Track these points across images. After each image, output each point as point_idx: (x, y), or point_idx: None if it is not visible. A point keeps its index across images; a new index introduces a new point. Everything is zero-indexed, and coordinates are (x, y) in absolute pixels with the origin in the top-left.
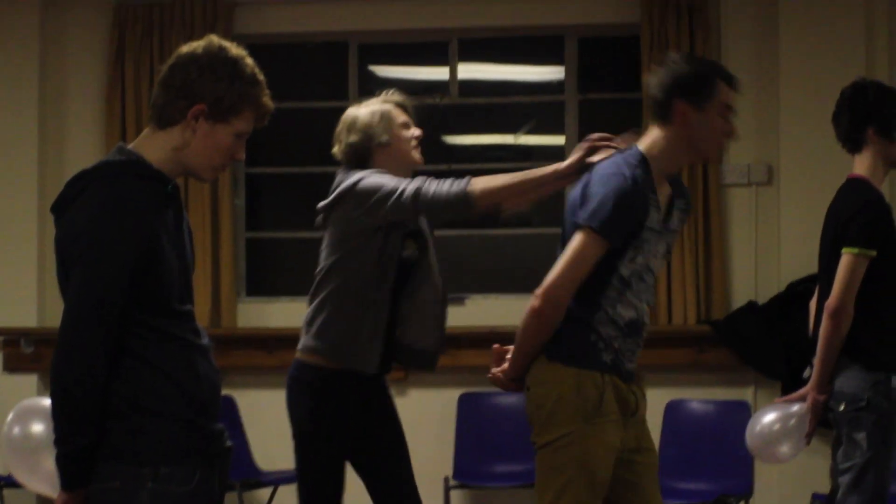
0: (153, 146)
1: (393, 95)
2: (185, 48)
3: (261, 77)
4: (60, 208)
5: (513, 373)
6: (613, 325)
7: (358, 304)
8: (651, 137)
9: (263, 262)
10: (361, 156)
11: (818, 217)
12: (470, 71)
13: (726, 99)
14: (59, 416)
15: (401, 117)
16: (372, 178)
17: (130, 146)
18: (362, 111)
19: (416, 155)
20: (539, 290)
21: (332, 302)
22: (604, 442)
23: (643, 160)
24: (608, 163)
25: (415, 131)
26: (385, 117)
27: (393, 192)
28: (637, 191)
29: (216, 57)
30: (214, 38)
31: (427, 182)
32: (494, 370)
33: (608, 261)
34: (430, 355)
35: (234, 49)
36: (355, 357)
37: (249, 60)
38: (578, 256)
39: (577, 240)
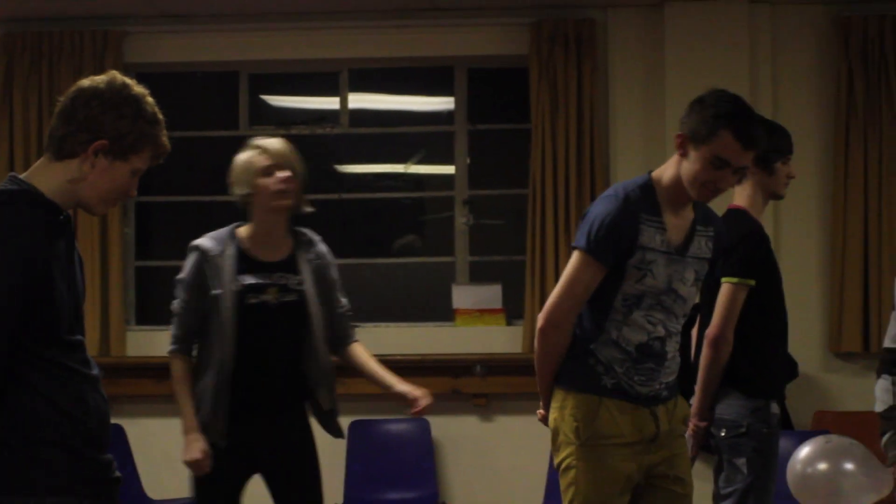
0: (47, 177)
1: (257, 140)
2: (87, 82)
3: (160, 117)
4: None
5: (542, 400)
6: (617, 349)
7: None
8: (667, 164)
9: (153, 291)
10: (244, 209)
11: None
12: (361, 101)
13: (722, 152)
14: None
15: (262, 162)
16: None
17: (23, 176)
18: (236, 161)
19: (281, 201)
20: (541, 312)
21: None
22: (605, 465)
23: (647, 183)
24: (612, 186)
25: (280, 174)
26: (243, 167)
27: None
28: (627, 210)
29: (120, 94)
30: (117, 75)
31: None
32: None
33: (611, 283)
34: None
35: (137, 87)
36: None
37: (150, 99)
38: (573, 277)
39: (571, 261)
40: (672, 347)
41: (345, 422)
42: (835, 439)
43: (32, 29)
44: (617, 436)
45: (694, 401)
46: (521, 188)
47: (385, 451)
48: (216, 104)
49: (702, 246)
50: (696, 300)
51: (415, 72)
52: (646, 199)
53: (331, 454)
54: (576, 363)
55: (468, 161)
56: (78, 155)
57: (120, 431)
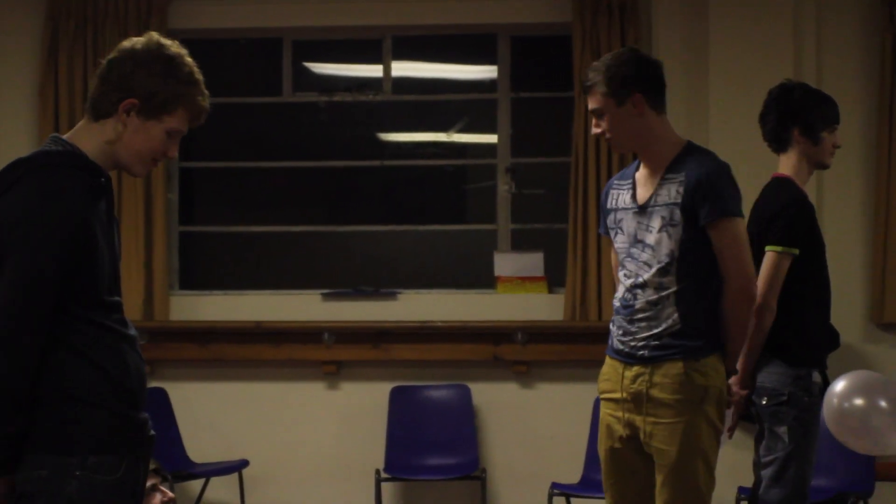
0: (87, 138)
1: None
2: (126, 43)
3: (198, 77)
4: None
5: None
6: (614, 307)
7: None
8: None
9: (196, 256)
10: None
11: (745, 215)
12: (403, 69)
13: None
14: None
15: None
16: None
17: (66, 137)
18: None
19: None
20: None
21: None
22: (601, 417)
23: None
24: None
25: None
26: None
27: None
28: (608, 186)
29: (153, 53)
30: (155, 35)
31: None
32: None
33: (615, 254)
34: None
35: (174, 47)
36: None
37: (188, 60)
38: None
39: None
40: (645, 299)
41: (385, 388)
42: (873, 376)
43: None
44: (604, 391)
45: (739, 366)
46: (564, 156)
47: (425, 417)
48: (260, 71)
49: (670, 192)
50: (670, 243)
51: (458, 39)
52: (628, 171)
53: (372, 420)
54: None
55: (511, 129)
56: (112, 115)
57: (163, 395)
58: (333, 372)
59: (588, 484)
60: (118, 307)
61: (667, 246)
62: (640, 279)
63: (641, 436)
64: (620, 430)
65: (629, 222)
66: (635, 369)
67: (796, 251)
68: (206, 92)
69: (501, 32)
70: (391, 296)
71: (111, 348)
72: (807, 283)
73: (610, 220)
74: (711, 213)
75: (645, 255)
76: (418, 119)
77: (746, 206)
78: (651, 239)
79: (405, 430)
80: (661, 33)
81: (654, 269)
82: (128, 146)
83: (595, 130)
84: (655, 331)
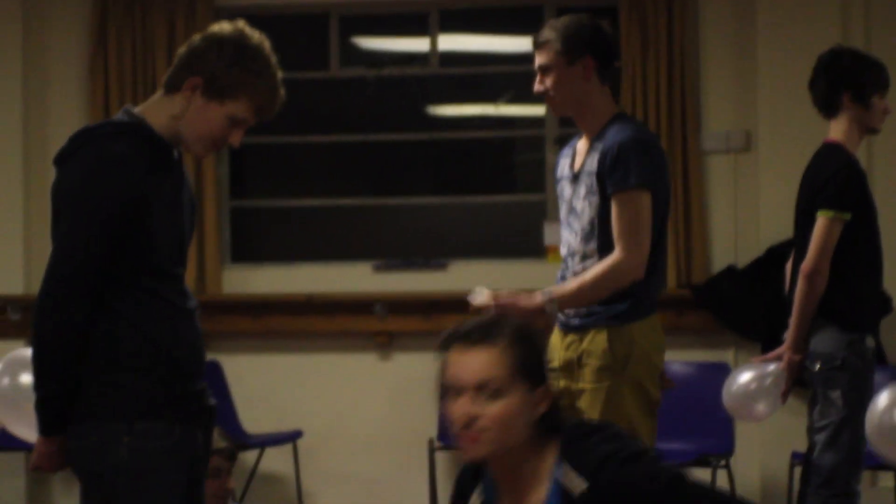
0: (157, 111)
1: None
2: (214, 26)
3: (271, 71)
4: (61, 161)
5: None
6: (557, 277)
7: None
8: None
9: (248, 231)
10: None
11: (796, 182)
12: (450, 42)
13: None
14: (36, 362)
15: None
16: None
17: (137, 109)
18: None
19: None
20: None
21: None
22: None
23: None
24: None
25: None
26: None
27: None
28: (559, 155)
29: (229, 38)
30: (241, 23)
31: None
32: None
33: None
34: None
35: (255, 38)
36: None
37: (266, 53)
38: None
39: None
40: (573, 269)
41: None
42: None
43: None
44: (549, 360)
45: (788, 334)
46: None
47: None
48: (307, 46)
49: (593, 161)
50: (591, 212)
51: (504, 11)
52: (573, 140)
53: (424, 390)
54: None
55: None
56: (180, 90)
57: (216, 367)
58: (385, 343)
59: None
60: (179, 279)
61: (588, 214)
62: (571, 248)
63: (577, 401)
64: (566, 401)
65: (567, 190)
66: (569, 338)
67: (848, 216)
68: (280, 88)
69: (548, 4)
70: (441, 266)
71: (163, 318)
72: (859, 248)
73: (557, 188)
74: (612, 183)
75: (575, 224)
76: (465, 91)
77: (796, 174)
78: (579, 206)
79: None
80: (707, 2)
81: (579, 238)
82: (189, 124)
83: (538, 88)
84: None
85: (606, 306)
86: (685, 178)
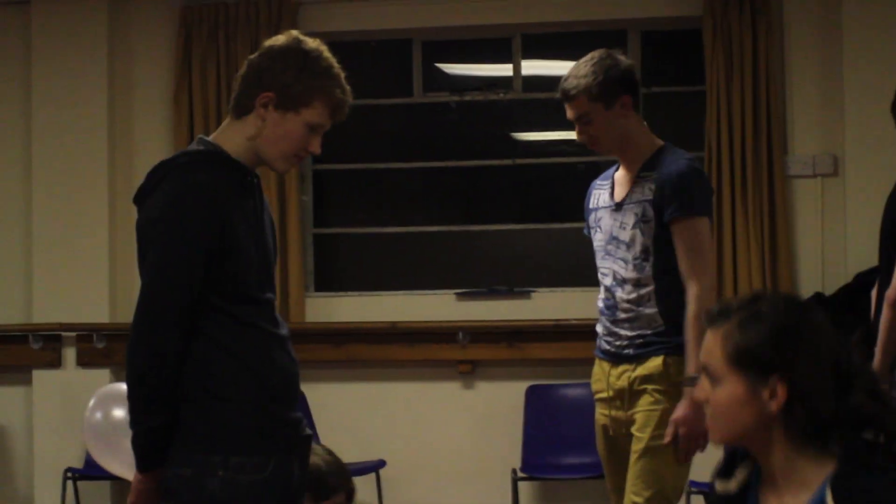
0: (230, 136)
1: None
2: (267, 41)
3: (336, 71)
4: (141, 197)
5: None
6: (598, 308)
7: None
8: None
9: (330, 258)
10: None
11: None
12: (533, 66)
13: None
14: (132, 397)
15: None
16: None
17: (210, 137)
18: None
19: None
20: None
21: None
22: (596, 418)
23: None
24: None
25: None
26: None
27: None
28: (591, 187)
29: (289, 48)
30: (294, 32)
31: None
32: None
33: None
34: None
35: (312, 42)
36: None
37: (326, 55)
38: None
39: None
40: (625, 298)
41: (521, 387)
42: None
43: (209, 1)
44: (596, 391)
45: (874, 363)
46: (697, 151)
47: (562, 415)
48: (390, 72)
49: (643, 190)
50: (644, 240)
51: (587, 35)
52: (607, 173)
53: (508, 419)
54: None
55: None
56: (252, 111)
57: (301, 397)
58: (469, 371)
59: None
60: (269, 305)
61: (640, 242)
62: (619, 276)
63: (631, 427)
64: (613, 428)
65: (607, 220)
66: (621, 367)
67: None
68: (347, 86)
69: (631, 28)
70: (525, 295)
71: (257, 345)
72: None
73: (591, 219)
74: (674, 210)
75: (621, 252)
76: (549, 117)
77: (884, 198)
78: (625, 235)
79: (541, 430)
80: (793, 22)
81: (630, 266)
82: (268, 141)
83: (581, 139)
84: (639, 331)
85: (666, 337)
86: (771, 204)
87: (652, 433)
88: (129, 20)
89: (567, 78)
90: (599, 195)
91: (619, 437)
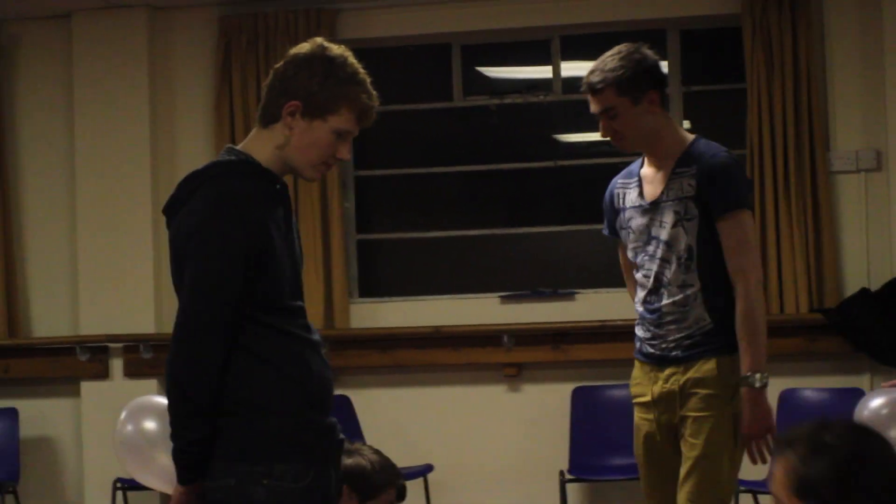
0: (259, 145)
1: None
2: (292, 50)
3: (362, 77)
4: (172, 209)
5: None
6: (638, 311)
7: None
8: None
9: (374, 264)
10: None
11: None
12: (573, 68)
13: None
14: (174, 411)
15: None
16: None
17: (239, 147)
18: None
19: None
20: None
21: None
22: (635, 423)
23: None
24: None
25: None
26: None
27: None
28: (612, 186)
29: (314, 55)
30: (319, 40)
31: None
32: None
33: (625, 255)
34: None
35: (336, 49)
36: None
37: (351, 61)
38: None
39: None
40: (671, 300)
41: (567, 388)
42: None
43: (248, 10)
44: (636, 395)
45: None
46: (738, 149)
47: (609, 417)
48: (430, 77)
49: (682, 186)
50: (687, 238)
51: (626, 36)
52: (631, 170)
53: (554, 421)
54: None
55: (683, 123)
56: (279, 120)
57: (347, 402)
58: (514, 374)
59: None
60: (301, 312)
61: (684, 241)
62: (664, 278)
63: (682, 430)
64: (654, 433)
65: (638, 220)
66: (668, 370)
67: None
68: (373, 92)
69: (670, 27)
70: (569, 296)
71: (294, 353)
72: None
73: (619, 220)
74: (723, 205)
75: (661, 252)
76: (590, 118)
77: None
78: (665, 234)
79: (588, 431)
80: (832, 19)
81: (673, 267)
82: (296, 149)
83: (605, 135)
84: (687, 332)
85: (716, 337)
86: (814, 199)
87: (707, 439)
88: (168, 31)
89: (593, 71)
90: (625, 194)
91: (660, 442)
